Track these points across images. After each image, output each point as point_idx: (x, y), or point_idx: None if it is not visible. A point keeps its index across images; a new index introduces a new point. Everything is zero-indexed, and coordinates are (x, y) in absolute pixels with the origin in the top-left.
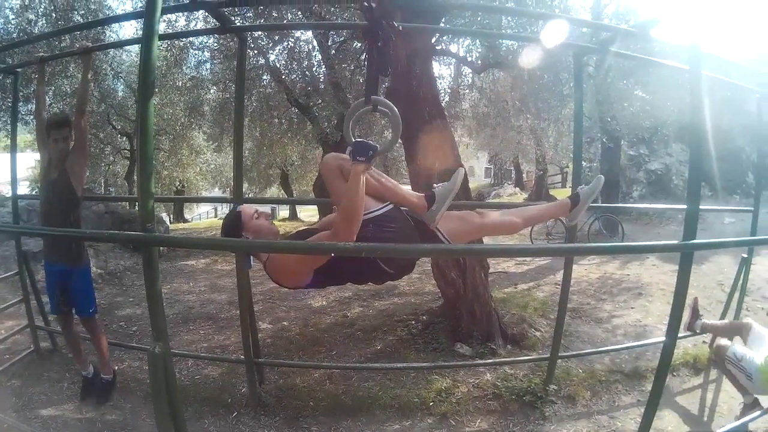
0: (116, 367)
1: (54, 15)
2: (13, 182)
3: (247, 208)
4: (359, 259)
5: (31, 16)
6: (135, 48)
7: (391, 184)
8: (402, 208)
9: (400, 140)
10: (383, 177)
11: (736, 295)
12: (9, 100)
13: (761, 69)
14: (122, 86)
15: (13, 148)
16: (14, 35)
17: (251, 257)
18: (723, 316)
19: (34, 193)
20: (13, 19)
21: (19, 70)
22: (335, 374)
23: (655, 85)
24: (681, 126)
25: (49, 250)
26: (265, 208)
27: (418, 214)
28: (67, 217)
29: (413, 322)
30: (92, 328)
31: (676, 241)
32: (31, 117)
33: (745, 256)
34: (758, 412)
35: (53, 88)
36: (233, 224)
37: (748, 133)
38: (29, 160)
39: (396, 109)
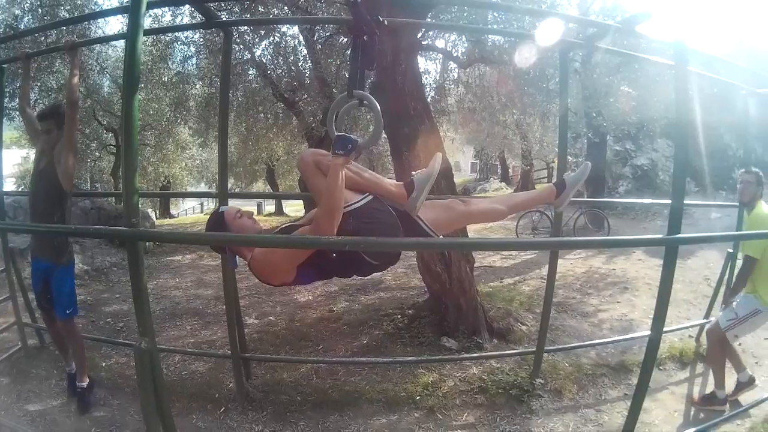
0: (103, 363)
1: (40, 10)
2: None
3: (230, 209)
4: (342, 252)
5: (17, 12)
6: (120, 43)
7: (371, 175)
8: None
9: (386, 135)
10: (363, 170)
11: (722, 289)
12: None
13: (748, 65)
14: (108, 81)
15: None
16: None
17: (236, 256)
18: (709, 311)
19: (20, 189)
20: None
21: (4, 66)
22: (322, 369)
23: (641, 81)
24: (667, 122)
25: (35, 246)
26: (251, 203)
27: (400, 204)
28: (52, 208)
29: (399, 317)
30: (68, 330)
31: (660, 236)
32: (17, 113)
33: (731, 250)
34: (743, 406)
35: (38, 84)
36: (217, 224)
37: (735, 129)
38: (15, 157)
39: (377, 104)
